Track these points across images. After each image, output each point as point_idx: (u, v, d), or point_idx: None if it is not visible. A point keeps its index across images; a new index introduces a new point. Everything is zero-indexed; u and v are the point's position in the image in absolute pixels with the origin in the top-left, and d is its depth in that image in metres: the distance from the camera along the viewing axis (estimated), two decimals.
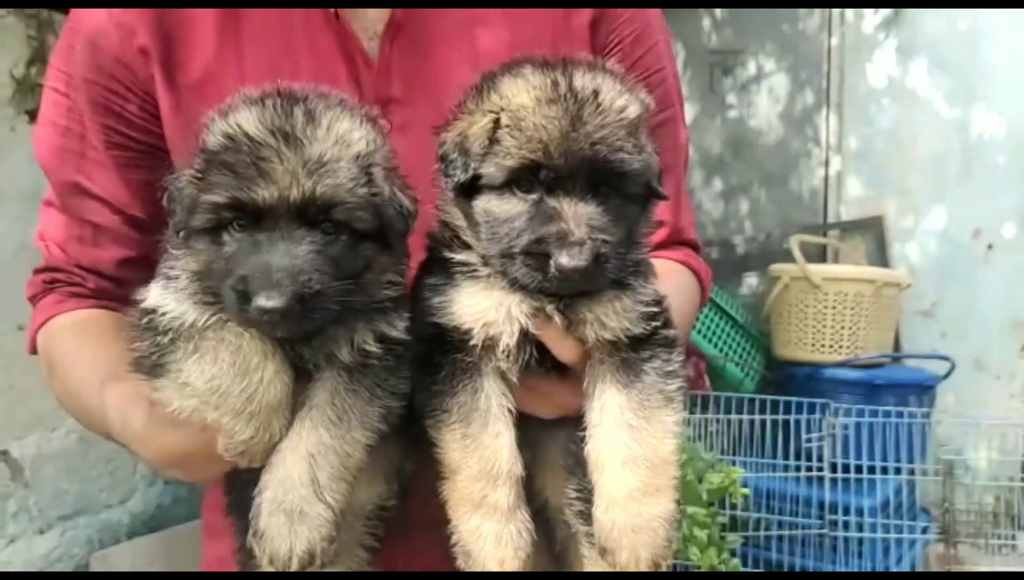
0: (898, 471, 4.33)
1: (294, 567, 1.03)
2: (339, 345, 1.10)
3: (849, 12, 5.24)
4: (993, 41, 4.96)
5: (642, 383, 1.14)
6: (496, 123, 1.10)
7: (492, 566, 1.10)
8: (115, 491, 3.71)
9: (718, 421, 4.42)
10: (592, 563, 1.27)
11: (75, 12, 1.42)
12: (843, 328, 4.68)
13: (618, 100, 1.10)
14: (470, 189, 1.13)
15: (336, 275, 1.04)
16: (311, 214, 1.04)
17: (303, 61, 1.35)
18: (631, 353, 1.14)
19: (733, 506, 4.03)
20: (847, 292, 4.65)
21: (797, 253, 4.70)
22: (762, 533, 4.30)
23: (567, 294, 1.12)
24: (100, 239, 1.46)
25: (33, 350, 1.50)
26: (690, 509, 3.16)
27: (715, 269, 5.47)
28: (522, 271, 1.08)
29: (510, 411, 1.14)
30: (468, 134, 1.11)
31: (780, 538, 4.33)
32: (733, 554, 3.59)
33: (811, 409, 4.37)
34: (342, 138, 1.07)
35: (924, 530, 4.44)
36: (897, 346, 5.03)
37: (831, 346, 4.71)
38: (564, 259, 1.04)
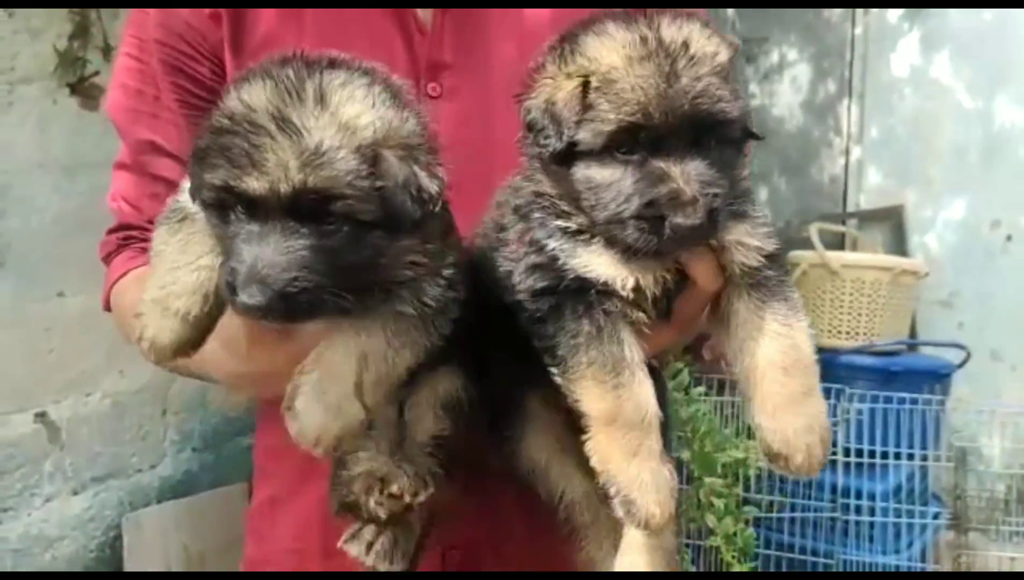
0: (911, 457, 4.37)
1: (318, 452, 1.07)
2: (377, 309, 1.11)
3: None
4: (1018, 33, 4.99)
5: (774, 296, 1.16)
6: (585, 87, 1.08)
7: (654, 511, 1.10)
8: (146, 456, 3.83)
9: (734, 404, 4.47)
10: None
11: None
12: (860, 315, 4.72)
13: (708, 47, 1.08)
14: (564, 156, 1.11)
15: (334, 268, 1.01)
16: (305, 207, 0.99)
17: (360, 26, 1.41)
18: (760, 272, 1.16)
19: (747, 487, 4.10)
20: (864, 279, 4.68)
21: (816, 240, 4.75)
22: (775, 515, 4.36)
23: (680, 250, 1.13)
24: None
25: (107, 307, 1.56)
26: (707, 479, 3.24)
27: None
28: (635, 236, 1.07)
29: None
30: (556, 100, 1.09)
31: (792, 520, 4.39)
32: (748, 524, 3.66)
33: (826, 394, 4.37)
34: (347, 124, 1.02)
35: (936, 516, 4.49)
36: (913, 335, 5.08)
37: (848, 332, 4.75)
38: (680, 219, 1.03)
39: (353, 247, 1.02)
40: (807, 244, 4.83)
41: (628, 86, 1.05)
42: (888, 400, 4.38)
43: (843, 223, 5.41)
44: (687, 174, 1.04)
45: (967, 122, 5.13)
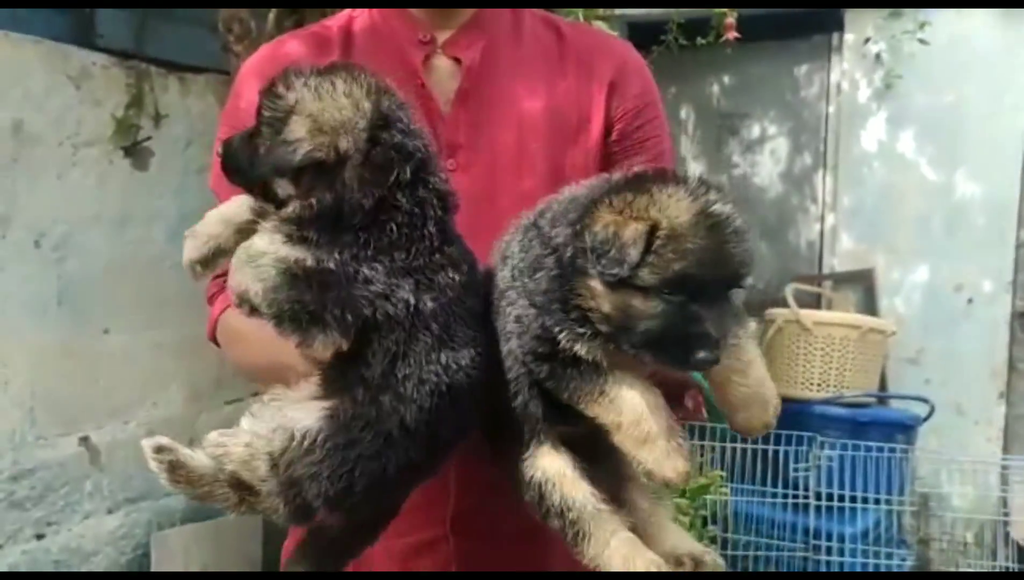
0: (878, 502, 4.65)
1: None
2: None
3: (845, 84, 5.72)
4: (975, 113, 5.41)
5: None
6: (652, 232, 1.24)
7: (672, 475, 1.31)
8: None
9: (714, 449, 4.79)
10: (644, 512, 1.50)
11: (237, 85, 1.82)
12: (830, 368, 5.04)
13: (743, 222, 1.29)
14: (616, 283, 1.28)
15: None
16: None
17: None
18: None
19: (725, 527, 4.40)
20: (835, 335, 5.01)
21: (790, 298, 5.11)
22: (751, 554, 4.67)
23: None
24: None
25: (212, 337, 1.76)
26: (675, 500, 3.57)
27: None
28: (664, 356, 1.26)
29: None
30: (623, 237, 1.25)
31: (768, 560, 4.67)
32: (713, 541, 3.95)
33: (799, 441, 4.72)
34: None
35: (903, 559, 4.73)
36: (884, 389, 5.37)
37: (819, 384, 5.07)
38: (703, 354, 1.23)
39: None
40: (785, 304, 5.14)
41: (692, 245, 1.24)
42: (857, 448, 4.65)
43: (818, 285, 5.74)
44: (716, 320, 1.26)
45: (930, 194, 5.50)
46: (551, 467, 1.42)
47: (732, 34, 4.78)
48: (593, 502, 1.40)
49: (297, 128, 1.24)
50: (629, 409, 1.31)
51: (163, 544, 4.03)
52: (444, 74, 1.80)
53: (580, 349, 1.32)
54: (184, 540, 4.10)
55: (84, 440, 3.82)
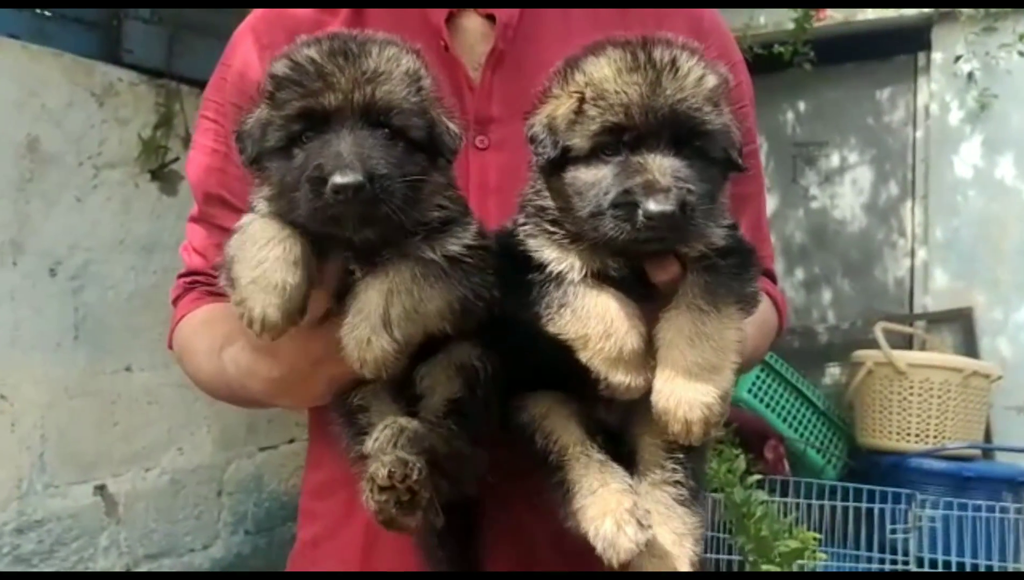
0: (989, 569, 4.17)
1: (366, 374, 1.16)
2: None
3: (934, 106, 5.38)
4: None
5: (719, 282, 1.19)
6: (581, 100, 1.17)
7: (630, 391, 1.18)
8: (199, 536, 3.87)
9: (798, 507, 4.35)
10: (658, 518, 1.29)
11: (229, 48, 1.61)
12: (929, 416, 4.62)
13: (696, 69, 1.17)
14: (559, 165, 1.20)
15: (399, 172, 1.14)
16: (372, 116, 1.16)
17: None
18: (711, 260, 1.21)
19: None
20: (933, 380, 4.60)
21: (881, 338, 4.68)
22: None
23: (658, 250, 1.18)
24: None
25: (171, 344, 1.63)
26: (764, 567, 3.13)
27: (796, 357, 5.39)
28: (611, 225, 1.12)
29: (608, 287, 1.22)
30: (556, 116, 1.19)
31: None
32: None
33: (896, 499, 4.28)
34: (392, 57, 1.20)
35: None
36: (988, 440, 4.92)
37: (917, 435, 4.63)
38: (651, 205, 1.08)
39: (408, 160, 1.17)
40: (872, 346, 4.78)
41: (614, 91, 1.15)
42: (963, 507, 4.23)
43: (910, 325, 5.33)
44: (663, 167, 1.11)
45: None
46: (535, 406, 1.31)
47: (824, 13, 4.46)
48: (582, 447, 1.27)
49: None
50: (596, 319, 1.18)
51: None
52: (474, 35, 1.58)
53: (533, 244, 1.23)
54: None
55: (100, 489, 3.55)
